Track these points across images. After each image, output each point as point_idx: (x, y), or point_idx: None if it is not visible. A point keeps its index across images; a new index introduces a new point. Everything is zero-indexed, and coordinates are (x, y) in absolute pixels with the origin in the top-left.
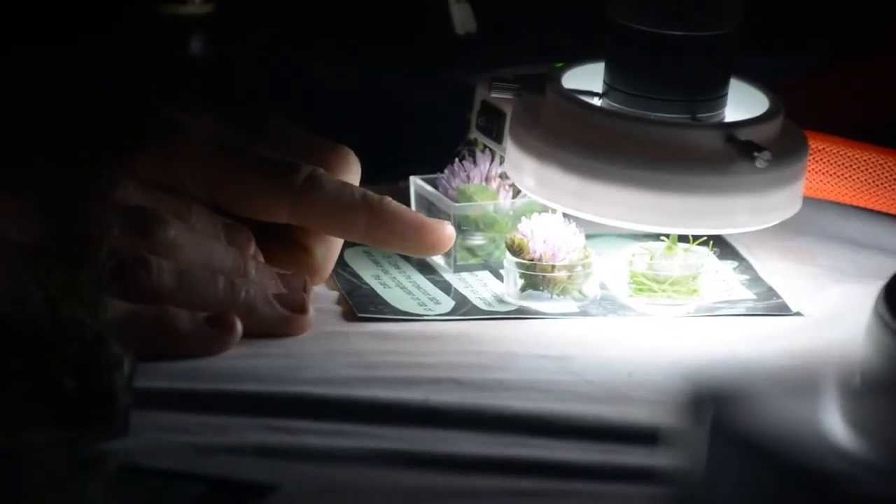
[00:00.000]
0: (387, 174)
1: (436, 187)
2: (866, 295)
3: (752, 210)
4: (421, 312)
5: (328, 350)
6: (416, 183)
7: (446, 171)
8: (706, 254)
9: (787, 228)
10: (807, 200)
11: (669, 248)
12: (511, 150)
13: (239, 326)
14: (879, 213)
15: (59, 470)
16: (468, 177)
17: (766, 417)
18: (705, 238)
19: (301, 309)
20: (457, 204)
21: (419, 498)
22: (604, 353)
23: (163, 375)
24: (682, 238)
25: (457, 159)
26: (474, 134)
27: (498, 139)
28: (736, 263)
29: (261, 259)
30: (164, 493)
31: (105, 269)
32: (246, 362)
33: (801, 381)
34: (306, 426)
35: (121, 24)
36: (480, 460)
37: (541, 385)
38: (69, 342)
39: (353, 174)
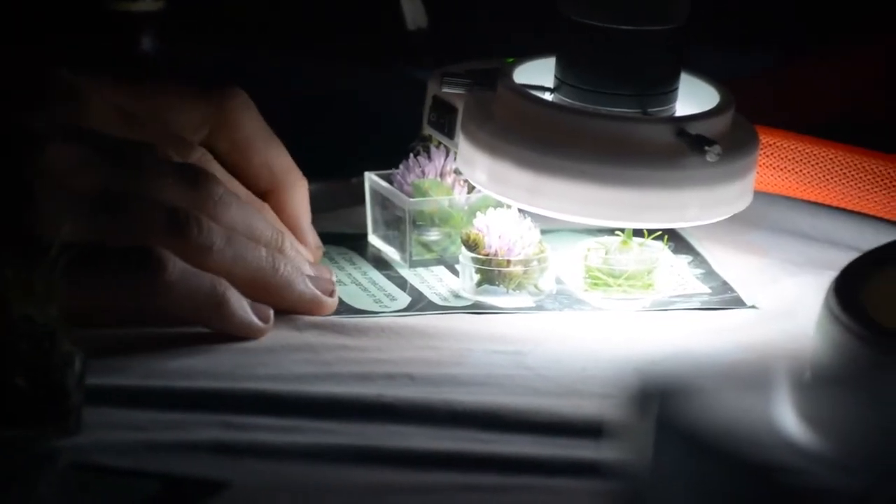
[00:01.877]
0: (340, 170)
1: (391, 183)
2: (819, 288)
3: (703, 204)
4: (377, 310)
5: (283, 346)
6: (370, 179)
7: (401, 166)
8: (661, 248)
9: (740, 222)
10: (758, 195)
11: (624, 242)
12: (463, 145)
13: (272, 321)
14: (829, 206)
15: (10, 468)
16: (423, 172)
17: (717, 411)
18: (660, 233)
19: (330, 293)
20: (412, 199)
21: (372, 493)
22: (558, 347)
23: (115, 372)
24: (637, 233)
25: (411, 155)
26: (427, 129)
27: (450, 134)
28: (690, 258)
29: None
30: (116, 491)
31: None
32: (199, 359)
33: (753, 374)
34: (260, 423)
35: (71, 20)
36: (434, 455)
37: (495, 380)
38: (20, 340)
39: (250, 113)
